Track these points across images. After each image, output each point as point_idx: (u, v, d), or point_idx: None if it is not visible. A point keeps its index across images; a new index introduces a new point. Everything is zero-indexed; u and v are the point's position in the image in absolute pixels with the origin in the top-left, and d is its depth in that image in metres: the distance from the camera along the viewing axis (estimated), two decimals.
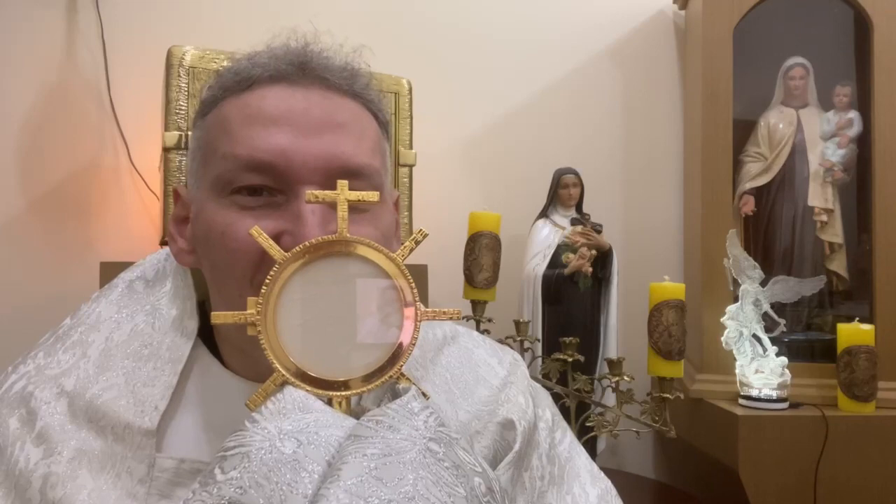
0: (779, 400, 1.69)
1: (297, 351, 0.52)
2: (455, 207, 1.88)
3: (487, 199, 1.97)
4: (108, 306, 0.66)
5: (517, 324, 1.72)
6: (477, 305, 1.72)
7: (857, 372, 1.66)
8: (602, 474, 0.72)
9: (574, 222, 1.90)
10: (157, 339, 0.62)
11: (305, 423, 0.47)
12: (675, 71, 2.22)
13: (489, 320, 1.72)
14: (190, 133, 0.68)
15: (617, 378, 1.59)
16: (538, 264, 1.88)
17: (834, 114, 1.95)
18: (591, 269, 1.85)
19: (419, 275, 1.57)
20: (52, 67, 1.83)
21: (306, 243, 0.52)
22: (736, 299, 1.80)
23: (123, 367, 0.60)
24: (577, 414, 1.66)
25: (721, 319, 1.79)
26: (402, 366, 0.53)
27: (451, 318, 0.55)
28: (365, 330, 0.53)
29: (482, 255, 1.71)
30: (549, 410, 0.71)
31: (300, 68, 0.60)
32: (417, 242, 0.54)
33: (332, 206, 0.54)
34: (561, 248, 1.88)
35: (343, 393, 0.52)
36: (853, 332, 1.69)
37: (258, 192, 0.58)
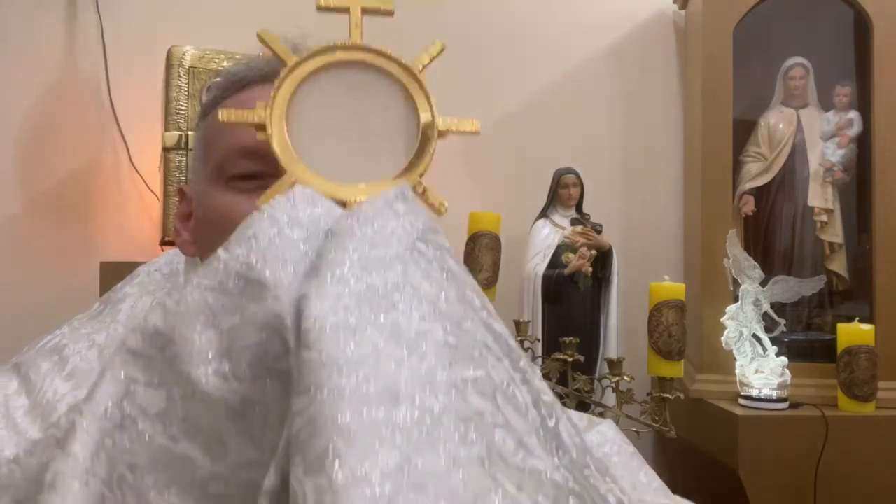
0: (779, 400, 1.69)
1: (309, 154, 0.49)
2: (455, 207, 1.88)
3: (487, 199, 1.97)
4: (132, 287, 0.71)
5: (517, 324, 1.72)
6: None
7: (857, 372, 1.66)
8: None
9: (574, 222, 1.90)
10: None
11: (314, 215, 0.45)
12: (675, 71, 2.22)
13: None
14: (190, 133, 0.71)
15: (617, 378, 1.59)
16: (538, 264, 1.88)
17: (834, 114, 1.95)
18: (591, 269, 1.85)
19: None
20: (52, 67, 1.83)
21: (318, 46, 0.51)
22: (736, 299, 1.80)
23: None
24: None
25: (721, 319, 1.79)
26: (420, 173, 0.51)
27: (469, 130, 0.54)
28: (380, 138, 0.51)
29: (482, 255, 1.71)
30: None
31: None
32: (438, 52, 0.54)
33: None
34: (561, 248, 1.88)
35: (356, 195, 0.49)
36: (853, 332, 1.69)
37: (253, 178, 0.61)
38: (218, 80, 0.69)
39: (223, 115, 0.49)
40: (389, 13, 0.53)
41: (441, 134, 0.52)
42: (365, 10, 0.52)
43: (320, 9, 0.52)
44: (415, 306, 0.40)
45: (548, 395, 0.44)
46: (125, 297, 0.70)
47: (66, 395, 0.59)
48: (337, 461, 0.34)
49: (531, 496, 0.40)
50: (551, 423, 0.43)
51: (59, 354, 0.63)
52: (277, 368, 0.40)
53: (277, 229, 0.43)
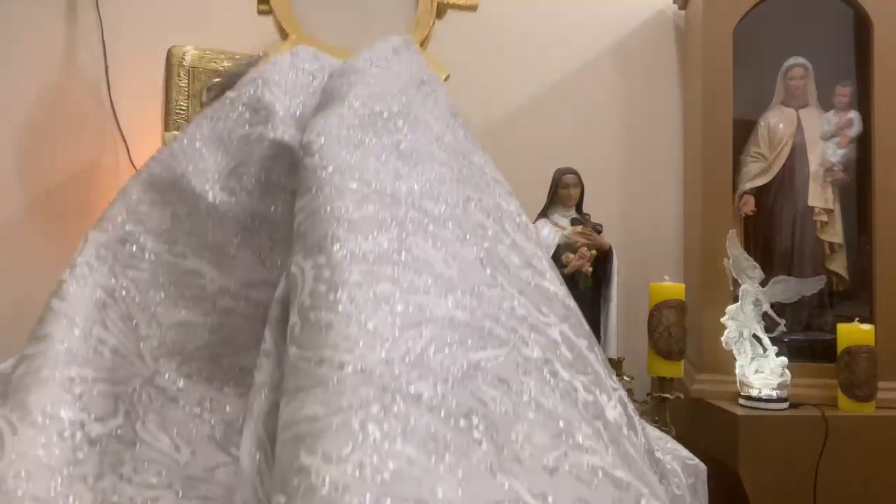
0: (779, 400, 1.69)
1: (311, 23, 0.51)
2: None
3: None
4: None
5: None
6: None
7: (857, 372, 1.66)
8: None
9: (574, 222, 1.90)
10: None
11: (319, 65, 0.46)
12: (675, 71, 2.21)
13: None
14: None
15: (617, 378, 1.59)
16: None
17: (834, 114, 1.95)
18: (591, 269, 1.85)
19: None
20: (52, 67, 1.83)
21: None
22: (736, 299, 1.79)
23: None
24: None
25: (721, 319, 1.79)
26: (419, 43, 0.51)
27: (466, 7, 0.56)
28: (379, 12, 0.51)
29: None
30: None
31: None
32: None
33: None
34: (561, 248, 1.88)
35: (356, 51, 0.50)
36: (853, 332, 1.69)
37: None
38: (218, 80, 0.69)
39: None
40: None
41: (440, 9, 0.52)
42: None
43: None
44: (419, 133, 0.40)
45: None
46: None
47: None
48: (336, 243, 0.35)
49: (534, 301, 0.40)
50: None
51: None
52: (284, 187, 0.41)
53: (284, 73, 0.44)
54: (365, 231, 0.36)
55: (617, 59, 2.20)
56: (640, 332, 1.68)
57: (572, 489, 0.37)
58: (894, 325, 1.77)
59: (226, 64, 1.55)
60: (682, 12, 2.19)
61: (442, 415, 0.34)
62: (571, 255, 1.86)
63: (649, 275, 1.75)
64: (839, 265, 1.93)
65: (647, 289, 1.64)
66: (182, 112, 1.43)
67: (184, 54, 1.45)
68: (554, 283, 0.44)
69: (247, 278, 0.42)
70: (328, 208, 0.36)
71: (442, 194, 0.40)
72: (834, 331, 1.74)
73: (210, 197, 0.41)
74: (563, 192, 1.92)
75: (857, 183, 1.95)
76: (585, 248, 1.84)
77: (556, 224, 1.93)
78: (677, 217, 2.19)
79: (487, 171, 0.43)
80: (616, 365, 1.61)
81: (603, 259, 1.88)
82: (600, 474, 0.38)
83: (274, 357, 0.38)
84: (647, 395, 1.63)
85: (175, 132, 1.42)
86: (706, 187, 1.90)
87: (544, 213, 1.94)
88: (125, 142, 1.83)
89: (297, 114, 0.42)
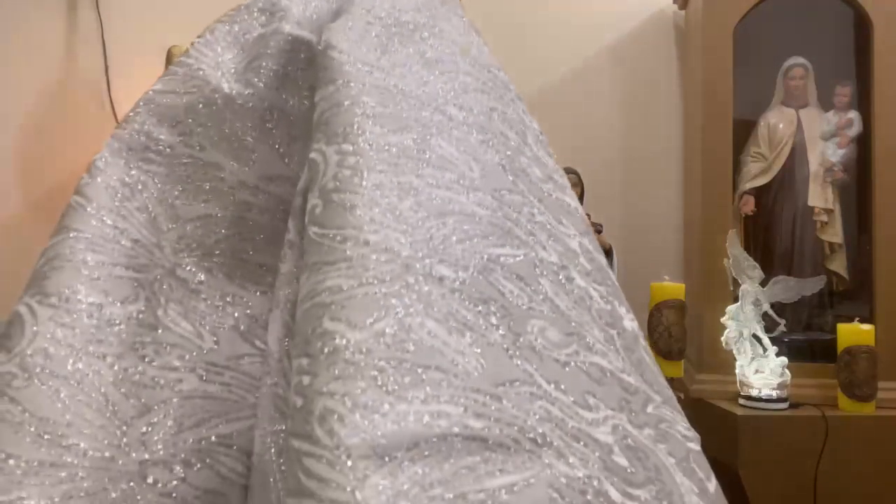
0: (779, 400, 1.69)
1: None
2: None
3: None
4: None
5: None
6: None
7: (857, 372, 1.66)
8: None
9: None
10: None
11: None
12: (675, 71, 2.21)
13: None
14: None
15: None
16: None
17: (834, 114, 1.95)
18: None
19: None
20: (52, 67, 1.83)
21: None
22: (736, 299, 1.79)
23: None
24: None
25: (721, 319, 1.79)
26: None
27: None
28: None
29: None
30: None
31: None
32: None
33: None
34: None
35: None
36: (853, 332, 1.69)
37: None
38: None
39: None
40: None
41: None
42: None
43: None
44: (445, 45, 0.40)
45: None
46: None
47: None
48: (362, 133, 0.35)
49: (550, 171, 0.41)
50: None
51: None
52: (302, 82, 0.40)
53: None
54: (391, 125, 0.36)
55: (617, 59, 2.20)
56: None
57: (582, 383, 0.38)
58: (894, 325, 1.77)
59: None
60: (682, 12, 2.19)
61: (462, 297, 0.35)
62: None
63: (649, 275, 1.75)
64: (839, 265, 1.93)
65: (647, 289, 1.64)
66: None
67: None
68: (574, 200, 0.44)
69: (265, 172, 0.42)
70: (353, 101, 0.36)
71: (466, 102, 0.40)
72: (834, 331, 1.74)
73: (227, 88, 0.41)
74: None
75: (857, 183, 1.95)
76: None
77: None
78: (677, 217, 2.19)
79: (512, 88, 0.43)
80: None
81: None
82: (608, 375, 0.38)
83: (298, 248, 0.38)
84: None
85: None
86: (706, 187, 1.89)
87: None
88: None
89: (314, 17, 0.41)
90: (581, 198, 1.94)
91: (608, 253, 1.88)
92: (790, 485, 1.62)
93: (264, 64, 0.41)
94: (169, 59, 1.47)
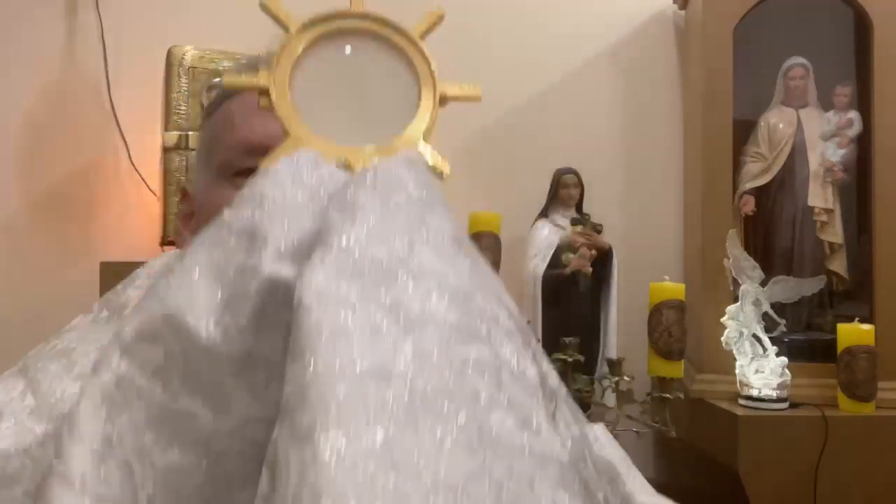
0: (779, 400, 1.69)
1: (313, 118, 0.49)
2: (455, 207, 1.87)
3: (487, 199, 1.97)
4: (134, 290, 0.69)
5: None
6: None
7: (857, 372, 1.66)
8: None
9: (574, 222, 1.90)
10: None
11: (319, 177, 0.44)
12: (675, 71, 2.21)
13: None
14: (190, 133, 0.71)
15: (617, 378, 1.59)
16: (538, 265, 1.88)
17: (834, 114, 1.95)
18: (591, 270, 1.85)
19: None
20: (52, 67, 1.83)
21: (318, 14, 0.51)
22: (736, 299, 1.80)
23: None
24: None
25: (721, 319, 1.79)
26: (423, 133, 0.51)
27: (473, 96, 0.54)
28: (382, 104, 0.51)
29: (482, 255, 1.71)
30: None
31: None
32: (438, 20, 0.55)
33: None
34: (561, 248, 1.88)
35: (361, 157, 0.48)
36: (853, 332, 1.69)
37: (250, 174, 0.61)
38: (220, 79, 0.69)
39: (225, 80, 0.50)
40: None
41: (443, 100, 0.52)
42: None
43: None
44: (421, 283, 0.39)
45: (554, 380, 0.43)
46: (129, 301, 0.68)
47: (74, 395, 0.59)
48: (323, 436, 0.34)
49: (526, 477, 0.39)
50: (552, 407, 0.43)
51: (68, 357, 0.62)
52: (279, 321, 0.40)
53: (282, 190, 0.42)
54: (353, 423, 0.36)
55: (617, 60, 2.20)
56: (640, 332, 1.68)
57: (534, 466, 0.38)
58: (894, 325, 1.77)
59: (226, 64, 1.55)
60: (682, 12, 2.19)
61: None
62: (571, 255, 1.86)
63: (649, 275, 1.75)
64: (839, 265, 1.93)
65: (647, 289, 1.64)
66: (182, 112, 1.43)
67: (184, 54, 1.45)
68: (553, 445, 0.43)
69: (243, 415, 0.41)
70: (318, 389, 0.36)
71: (436, 364, 0.39)
72: (834, 331, 1.74)
73: (204, 335, 0.40)
74: (563, 192, 1.93)
75: (857, 183, 1.95)
76: (585, 248, 1.85)
77: (556, 224, 1.93)
78: (677, 217, 2.19)
79: (487, 310, 0.41)
80: (616, 365, 1.61)
81: (603, 259, 1.88)
82: (552, 456, 0.39)
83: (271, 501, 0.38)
84: (647, 395, 1.63)
85: (175, 132, 1.42)
86: (706, 187, 1.90)
87: (544, 213, 1.95)
88: (125, 142, 1.83)
89: (295, 242, 0.41)
90: (581, 198, 1.94)
91: (608, 253, 1.88)
92: (790, 485, 1.62)
93: (242, 306, 0.40)
94: (169, 59, 1.47)
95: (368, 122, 0.51)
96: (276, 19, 0.51)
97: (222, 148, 0.64)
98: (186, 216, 0.69)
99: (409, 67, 0.52)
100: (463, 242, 0.44)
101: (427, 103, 0.52)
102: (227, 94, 0.67)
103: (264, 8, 0.51)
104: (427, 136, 0.51)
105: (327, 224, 0.40)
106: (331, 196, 0.42)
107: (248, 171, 0.60)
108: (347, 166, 0.47)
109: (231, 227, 0.41)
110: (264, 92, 0.49)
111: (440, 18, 0.54)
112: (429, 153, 0.51)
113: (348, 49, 0.51)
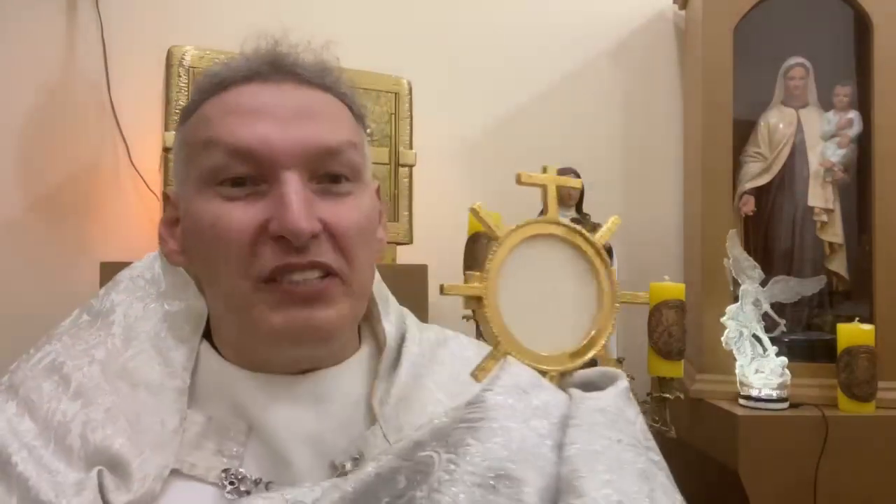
0: (779, 400, 1.69)
1: (515, 325, 0.54)
2: (455, 207, 1.88)
3: (487, 199, 1.96)
4: (118, 294, 0.68)
5: None
6: None
7: (857, 372, 1.66)
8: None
9: (574, 222, 1.90)
10: (172, 314, 0.65)
11: (545, 401, 0.48)
12: (675, 71, 2.21)
13: None
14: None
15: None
16: None
17: (834, 114, 1.94)
18: None
19: (419, 275, 1.57)
20: (52, 67, 1.82)
21: (521, 223, 0.57)
22: (736, 299, 1.79)
23: (147, 335, 0.64)
24: None
25: (721, 319, 1.79)
26: (603, 344, 0.57)
27: (644, 303, 0.62)
28: (568, 310, 0.57)
29: (482, 255, 1.70)
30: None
31: (272, 66, 0.63)
32: (613, 228, 0.62)
33: (314, 189, 0.59)
34: None
35: (556, 368, 0.54)
36: (853, 332, 1.69)
37: (242, 183, 0.59)
38: (198, 83, 0.67)
39: (447, 289, 0.54)
40: (578, 189, 0.63)
41: (621, 304, 0.60)
42: (559, 187, 0.63)
43: (520, 184, 0.62)
44: None
45: None
46: (114, 306, 0.67)
47: (78, 413, 0.57)
48: None
49: None
50: None
51: (59, 373, 0.61)
52: None
53: (521, 421, 0.46)
54: None
55: (617, 60, 2.20)
56: (640, 332, 1.68)
57: None
58: (894, 325, 1.77)
59: (216, 69, 1.54)
60: (682, 12, 2.19)
61: None
62: None
63: (649, 275, 1.75)
64: (839, 265, 1.93)
65: (647, 289, 1.64)
66: (179, 118, 1.43)
67: (184, 54, 1.45)
68: None
69: None
70: None
71: None
72: (834, 331, 1.74)
73: None
74: (563, 192, 1.92)
75: (857, 183, 1.95)
76: None
77: None
78: (677, 217, 2.19)
79: None
80: (616, 365, 1.61)
81: None
82: None
83: None
84: (647, 395, 1.63)
85: (175, 132, 1.41)
86: (706, 187, 1.89)
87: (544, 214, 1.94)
88: (125, 142, 1.83)
89: (543, 486, 0.45)
90: (581, 198, 1.94)
91: (608, 253, 1.88)
92: (790, 485, 1.62)
93: None
94: (169, 59, 1.46)
95: (557, 325, 0.56)
96: (486, 227, 0.56)
97: (205, 154, 0.60)
98: (171, 222, 0.66)
99: (591, 274, 0.60)
100: (670, 476, 0.50)
101: (606, 309, 0.59)
102: (201, 98, 0.63)
103: (475, 213, 0.58)
104: (607, 341, 0.58)
105: (575, 472, 0.44)
106: (562, 421, 0.47)
107: (234, 180, 0.59)
108: (547, 375, 0.53)
109: (485, 462, 0.44)
110: (479, 299, 0.54)
111: (617, 224, 0.63)
112: (603, 358, 0.58)
113: (542, 254, 0.57)
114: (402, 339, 0.69)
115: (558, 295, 0.56)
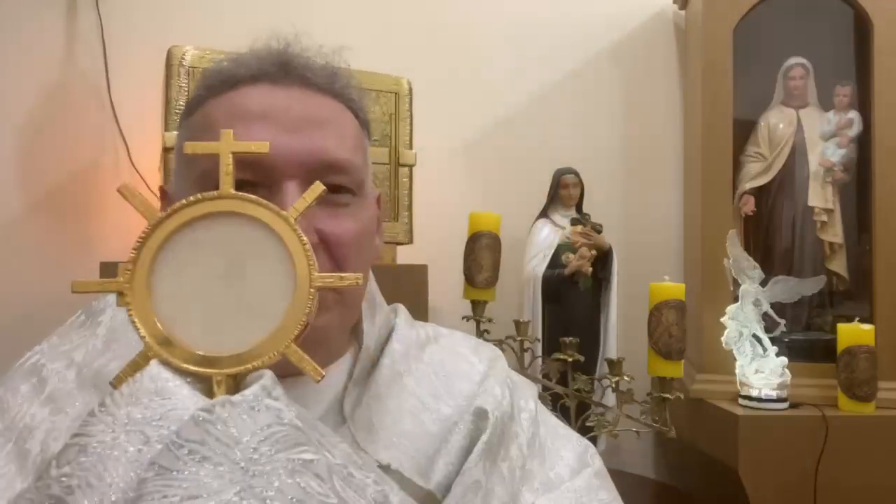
0: (779, 400, 1.69)
1: (173, 323, 0.46)
2: (455, 207, 1.88)
3: (487, 199, 1.97)
4: (111, 296, 0.68)
5: (517, 324, 1.72)
6: (477, 305, 1.72)
7: (857, 372, 1.66)
8: (578, 437, 0.72)
9: (574, 222, 1.90)
10: None
11: (160, 413, 0.42)
12: (675, 71, 2.22)
13: (489, 320, 1.72)
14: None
15: (617, 378, 1.59)
16: (538, 264, 1.88)
17: (834, 114, 1.95)
18: (591, 269, 1.85)
19: (419, 275, 1.57)
20: (52, 67, 1.83)
21: (183, 201, 0.47)
22: (736, 299, 1.80)
23: (127, 340, 0.62)
24: (577, 414, 1.66)
25: (721, 319, 1.79)
26: (295, 335, 0.46)
27: (350, 283, 0.48)
28: (252, 300, 0.47)
29: (482, 255, 1.71)
30: (532, 401, 0.70)
31: (282, 68, 0.62)
32: (313, 196, 0.49)
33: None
34: (561, 248, 1.88)
35: (224, 371, 0.45)
36: (853, 332, 1.69)
37: (241, 188, 0.59)
38: (204, 77, 0.66)
39: (75, 285, 0.47)
40: (264, 153, 0.50)
41: (318, 289, 0.47)
42: (236, 154, 0.49)
43: (188, 154, 0.50)
44: None
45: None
46: (106, 306, 0.67)
47: (45, 420, 0.57)
48: None
49: None
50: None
51: (38, 376, 0.61)
52: None
53: (113, 437, 0.41)
54: None
55: (617, 59, 2.20)
56: (640, 332, 1.68)
57: None
58: (894, 325, 1.77)
59: (217, 65, 1.54)
60: (682, 12, 2.19)
61: None
62: (571, 255, 1.86)
63: (649, 275, 1.75)
64: (839, 265, 1.93)
65: (647, 289, 1.64)
66: (182, 112, 1.43)
67: (184, 54, 1.45)
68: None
69: None
70: None
71: None
72: (834, 331, 1.74)
73: None
74: (563, 192, 1.93)
75: (857, 183, 1.95)
76: (585, 248, 1.85)
77: (556, 224, 1.93)
78: (677, 217, 2.19)
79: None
80: (616, 365, 1.61)
81: (603, 259, 1.88)
82: None
83: None
84: (647, 395, 1.63)
85: (175, 132, 1.41)
86: (706, 187, 1.90)
87: (544, 213, 1.95)
88: (125, 142, 1.83)
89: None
90: (581, 198, 1.94)
91: (608, 253, 1.88)
92: (790, 485, 1.62)
93: None
94: (169, 59, 1.46)
95: (240, 314, 0.46)
96: (136, 208, 0.47)
97: (204, 156, 0.60)
98: None
99: (283, 252, 0.47)
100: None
101: (302, 293, 0.47)
102: (207, 94, 0.63)
103: (123, 194, 0.47)
104: (301, 331, 0.46)
105: (142, 492, 0.39)
106: (155, 457, 0.40)
107: (234, 184, 0.59)
108: (206, 380, 0.45)
109: (50, 490, 0.39)
110: (121, 292, 0.46)
111: (319, 193, 0.50)
112: (294, 355, 0.46)
113: (217, 235, 0.47)
114: (387, 338, 0.69)
115: (242, 284, 0.46)
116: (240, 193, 0.48)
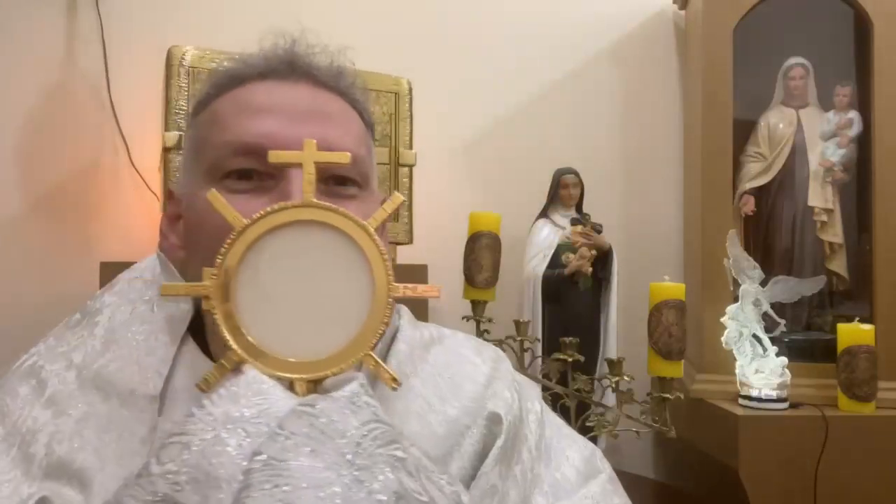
0: (779, 400, 1.69)
1: (257, 328, 0.47)
2: (455, 207, 1.88)
3: (487, 199, 1.97)
4: (111, 296, 0.68)
5: (517, 324, 1.72)
6: (477, 305, 1.72)
7: (857, 372, 1.66)
8: (584, 440, 0.73)
9: (574, 222, 1.90)
10: (157, 318, 0.64)
11: (258, 411, 0.44)
12: (675, 71, 2.21)
13: (489, 320, 1.72)
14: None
15: (617, 378, 1.59)
16: (538, 264, 1.88)
17: (834, 114, 1.95)
18: (591, 269, 1.85)
19: (419, 275, 1.57)
20: (52, 67, 1.83)
21: (268, 208, 0.49)
22: (736, 299, 1.80)
23: (126, 340, 0.62)
24: (577, 414, 1.66)
25: (721, 319, 1.79)
26: (372, 345, 0.47)
27: (428, 296, 0.50)
28: (331, 307, 0.48)
29: (482, 255, 1.71)
30: (537, 402, 0.71)
31: (289, 65, 0.63)
32: (393, 207, 0.51)
33: (320, 190, 0.53)
34: (561, 248, 1.88)
35: (305, 376, 0.46)
36: (853, 332, 1.69)
37: (248, 177, 0.59)
38: (212, 76, 0.67)
39: (164, 289, 0.49)
40: (344, 164, 0.52)
41: (396, 300, 0.49)
42: (318, 164, 0.50)
43: (272, 162, 0.51)
44: None
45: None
46: (103, 307, 0.66)
47: (48, 423, 0.57)
48: None
49: None
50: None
51: (37, 378, 0.60)
52: None
53: (214, 434, 0.42)
54: None
55: (616, 59, 2.20)
56: (640, 332, 1.68)
57: None
58: (894, 325, 1.77)
59: (226, 64, 1.54)
60: (682, 12, 2.19)
61: None
62: (571, 255, 1.86)
63: (649, 275, 1.75)
64: (839, 265, 1.93)
65: (647, 289, 1.64)
66: (182, 112, 1.43)
67: (184, 54, 1.45)
68: None
69: None
70: None
71: None
72: (834, 331, 1.74)
73: None
74: (563, 192, 1.93)
75: (857, 183, 1.95)
76: (585, 248, 1.85)
77: (556, 224, 1.93)
78: (677, 217, 2.19)
79: None
80: (616, 365, 1.61)
81: (603, 259, 1.88)
82: None
83: None
84: (647, 395, 1.63)
85: (175, 132, 1.41)
86: (706, 187, 1.90)
87: (544, 213, 1.95)
88: (125, 142, 1.83)
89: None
90: (581, 198, 1.94)
91: (608, 253, 1.88)
92: (790, 485, 1.62)
93: None
94: (169, 59, 1.46)
95: (317, 323, 0.48)
96: (223, 215, 0.48)
97: (211, 149, 0.61)
98: (173, 218, 0.66)
99: (362, 263, 0.48)
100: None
101: (379, 303, 0.48)
102: (216, 92, 0.64)
103: (210, 202, 0.49)
104: (377, 341, 0.48)
105: (249, 482, 0.40)
106: (260, 447, 0.41)
107: (238, 173, 0.59)
108: (293, 388, 0.46)
109: (155, 486, 0.40)
110: (206, 296, 0.47)
111: (400, 203, 0.51)
112: (371, 362, 0.47)
113: (298, 243, 0.48)
114: (392, 338, 0.69)
115: (321, 291, 0.48)
116: (321, 203, 0.49)
